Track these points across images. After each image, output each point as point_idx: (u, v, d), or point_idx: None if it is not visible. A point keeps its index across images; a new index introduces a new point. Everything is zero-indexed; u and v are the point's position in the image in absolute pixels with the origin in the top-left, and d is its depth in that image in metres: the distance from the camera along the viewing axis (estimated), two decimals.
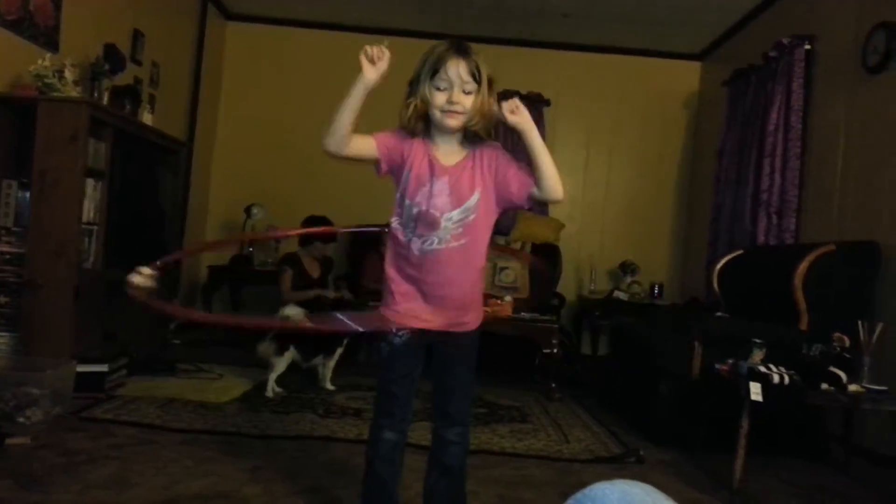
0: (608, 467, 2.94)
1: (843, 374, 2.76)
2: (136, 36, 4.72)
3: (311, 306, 4.18)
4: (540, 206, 5.99)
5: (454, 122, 1.77)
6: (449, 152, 1.83)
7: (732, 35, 5.58)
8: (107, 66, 3.97)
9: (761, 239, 4.43)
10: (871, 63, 3.69)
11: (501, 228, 5.77)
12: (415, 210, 1.80)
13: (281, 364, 3.84)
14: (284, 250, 5.82)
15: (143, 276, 1.90)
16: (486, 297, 4.68)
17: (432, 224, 1.79)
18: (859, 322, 2.90)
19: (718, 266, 4.28)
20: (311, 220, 4.72)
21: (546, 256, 5.56)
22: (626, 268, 5.89)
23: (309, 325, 3.95)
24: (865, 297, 3.44)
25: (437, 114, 1.76)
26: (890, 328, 3.02)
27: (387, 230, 1.88)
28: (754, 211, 4.57)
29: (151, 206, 4.20)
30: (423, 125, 1.80)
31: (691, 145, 6.29)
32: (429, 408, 2.06)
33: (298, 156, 6.02)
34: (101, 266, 3.59)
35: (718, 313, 4.05)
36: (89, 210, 3.49)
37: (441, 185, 1.79)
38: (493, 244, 1.93)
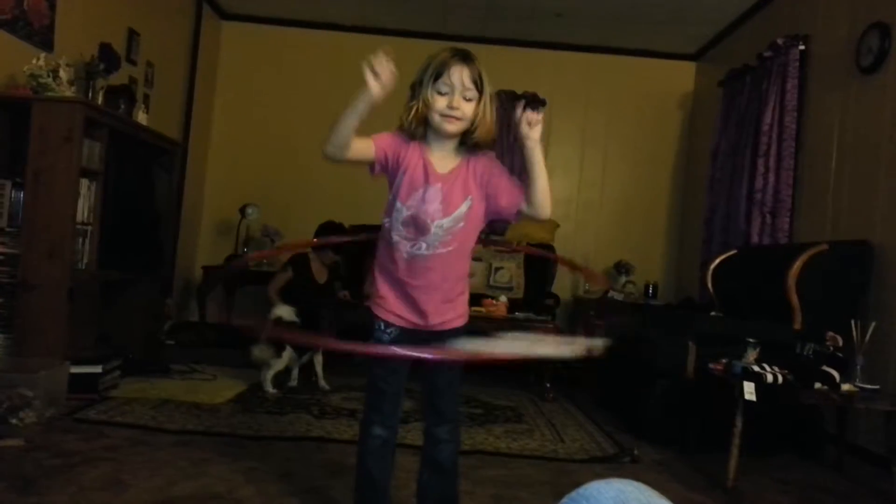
0: (603, 467, 2.94)
1: (836, 374, 2.77)
2: (131, 35, 4.71)
3: (302, 306, 4.17)
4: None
5: (452, 127, 1.78)
6: (443, 158, 1.83)
7: (727, 35, 5.59)
8: (101, 66, 3.96)
9: (755, 239, 4.45)
10: (865, 63, 3.71)
11: (497, 228, 5.78)
12: (406, 214, 1.81)
13: (280, 364, 3.90)
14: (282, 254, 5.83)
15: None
16: (481, 298, 4.72)
17: (422, 229, 1.80)
18: (852, 321, 2.92)
19: (712, 266, 4.29)
20: (326, 228, 4.67)
21: (540, 256, 5.55)
22: (621, 268, 5.90)
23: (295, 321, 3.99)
24: (858, 296, 3.46)
25: (436, 118, 1.77)
26: (883, 327, 3.04)
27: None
28: (748, 211, 4.58)
29: (146, 207, 4.19)
30: (422, 129, 1.81)
31: (686, 145, 6.30)
32: (422, 407, 2.06)
33: (293, 156, 6.03)
34: (95, 267, 3.58)
35: (712, 313, 4.06)
36: (83, 210, 3.48)
37: (434, 192, 1.80)
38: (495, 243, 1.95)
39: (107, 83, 4.03)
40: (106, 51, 4.18)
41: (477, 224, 1.87)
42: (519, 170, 1.89)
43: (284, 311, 3.94)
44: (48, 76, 3.35)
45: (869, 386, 2.81)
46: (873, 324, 2.91)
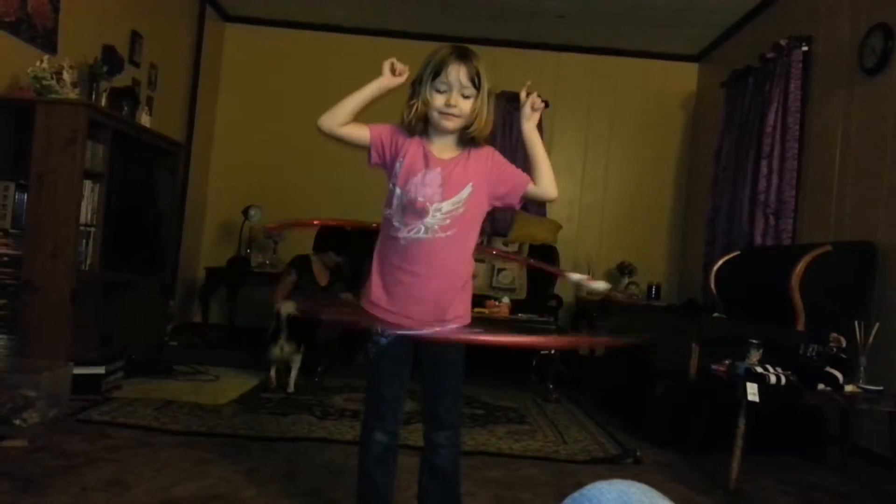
0: (605, 468, 2.94)
1: (839, 375, 2.77)
2: (135, 38, 4.73)
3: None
4: (538, 205, 6.01)
5: (450, 124, 1.81)
6: (444, 149, 1.86)
7: (730, 36, 5.59)
8: (105, 68, 3.97)
9: (758, 240, 4.44)
10: (869, 64, 3.70)
11: (499, 229, 5.79)
12: (404, 198, 1.82)
13: (299, 361, 4.03)
14: (283, 253, 5.84)
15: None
16: (484, 299, 4.73)
17: (420, 212, 1.81)
18: (856, 322, 2.92)
19: (715, 267, 4.28)
20: (326, 232, 4.67)
21: (543, 257, 5.56)
22: (624, 269, 5.90)
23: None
24: (862, 297, 3.45)
25: (435, 115, 1.81)
26: (886, 328, 3.03)
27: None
28: (751, 212, 4.58)
29: (149, 208, 4.20)
30: (422, 125, 1.85)
31: (689, 146, 6.29)
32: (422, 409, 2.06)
33: (296, 158, 6.04)
34: (99, 268, 3.58)
35: (715, 314, 4.06)
36: (87, 212, 3.49)
37: (433, 176, 1.81)
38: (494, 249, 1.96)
39: (110, 85, 4.04)
40: (109, 53, 4.19)
41: (479, 212, 1.87)
42: (521, 167, 1.91)
43: (289, 307, 3.98)
44: (52, 78, 3.36)
45: (872, 387, 2.81)
46: (877, 325, 2.90)
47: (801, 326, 3.37)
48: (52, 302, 3.26)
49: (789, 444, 3.36)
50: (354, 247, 4.68)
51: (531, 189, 1.86)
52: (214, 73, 6.16)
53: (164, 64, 5.16)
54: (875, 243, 3.49)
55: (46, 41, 3.68)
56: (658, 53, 6.21)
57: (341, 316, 3.59)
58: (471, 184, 1.83)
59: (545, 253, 5.67)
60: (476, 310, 3.90)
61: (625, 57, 6.24)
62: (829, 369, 2.78)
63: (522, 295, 5.50)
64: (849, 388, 2.78)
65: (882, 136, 3.58)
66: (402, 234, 1.82)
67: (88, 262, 3.54)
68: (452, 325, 1.89)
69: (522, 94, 1.84)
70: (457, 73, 1.77)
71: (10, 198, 3.26)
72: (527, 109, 1.85)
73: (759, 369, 2.77)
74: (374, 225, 2.02)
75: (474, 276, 1.99)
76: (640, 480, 0.85)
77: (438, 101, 1.79)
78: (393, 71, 1.82)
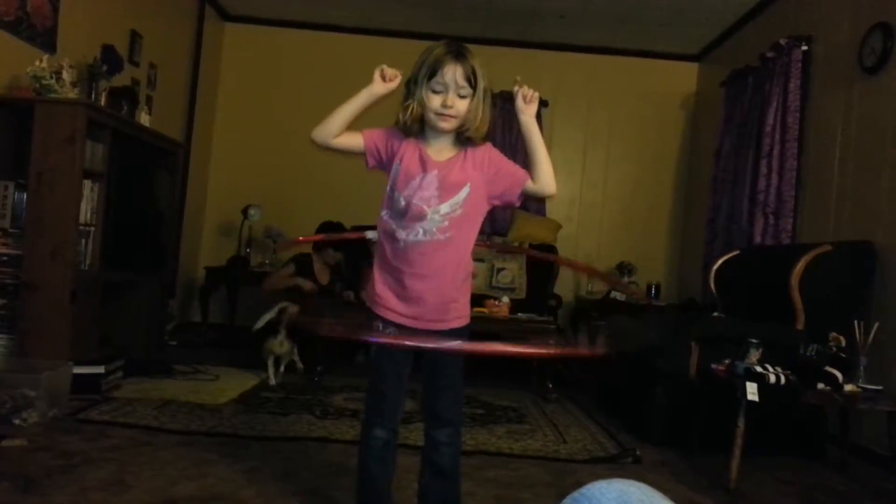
0: (605, 467, 2.94)
1: (839, 374, 2.77)
2: (134, 37, 4.72)
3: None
4: (537, 202, 6.01)
5: (447, 124, 1.80)
6: (440, 150, 1.86)
7: (730, 36, 5.59)
8: (104, 68, 3.97)
9: (758, 239, 4.44)
10: (868, 64, 3.70)
11: (499, 229, 5.78)
12: (403, 202, 1.82)
13: (288, 357, 4.28)
14: (282, 253, 5.84)
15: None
16: (483, 298, 4.72)
17: (418, 216, 1.80)
18: (855, 322, 2.92)
19: (715, 266, 4.28)
20: (326, 227, 4.72)
21: (542, 259, 5.56)
22: (624, 268, 5.90)
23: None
24: (861, 297, 3.45)
25: (431, 116, 1.80)
26: (886, 328, 3.03)
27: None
28: (751, 211, 4.58)
29: (149, 208, 4.20)
30: (418, 126, 1.83)
31: (688, 146, 6.29)
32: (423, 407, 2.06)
33: (296, 157, 6.03)
34: (98, 268, 3.58)
35: (715, 313, 4.06)
36: (86, 211, 3.49)
37: (430, 179, 1.81)
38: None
39: (109, 85, 4.04)
40: (109, 52, 4.19)
41: (477, 212, 1.87)
42: (522, 166, 1.90)
43: (294, 308, 4.11)
44: (51, 78, 3.36)
45: (872, 386, 2.81)
46: (876, 324, 2.90)
47: (800, 326, 3.37)
48: (51, 301, 3.26)
49: (789, 443, 3.36)
50: (351, 244, 4.71)
51: (530, 185, 1.85)
52: (214, 73, 6.16)
53: (163, 63, 5.16)
54: (875, 243, 3.49)
55: (46, 41, 3.68)
56: (658, 53, 6.21)
57: (342, 330, 3.63)
58: (468, 184, 1.82)
59: (544, 252, 5.66)
60: (476, 309, 3.92)
61: (624, 56, 6.24)
62: (828, 369, 2.78)
63: (522, 294, 5.50)
64: (848, 387, 2.78)
65: (882, 136, 3.58)
66: (401, 236, 1.82)
67: (88, 261, 3.54)
68: (454, 325, 1.89)
69: (515, 88, 1.84)
70: (453, 73, 1.75)
71: (9, 197, 3.26)
72: (518, 102, 1.83)
73: (759, 369, 2.77)
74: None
75: (474, 276, 1.99)
76: (639, 480, 0.86)
77: (435, 101, 1.77)
78: (383, 77, 1.82)
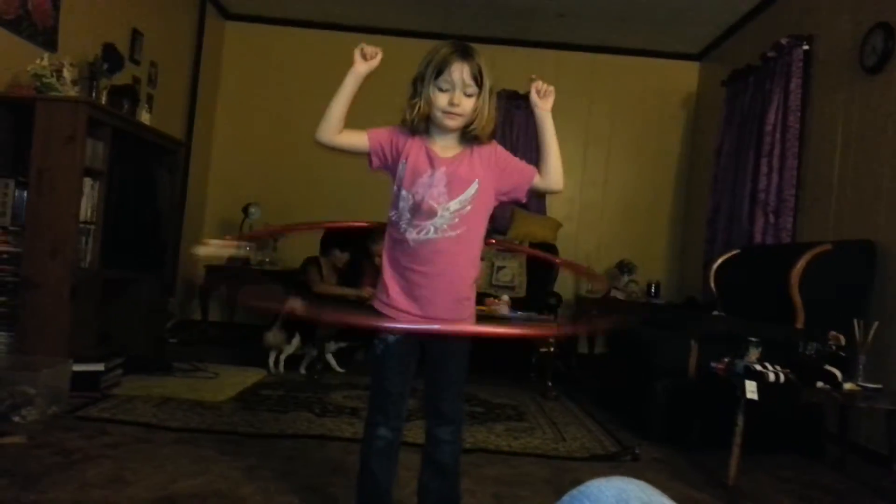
0: (604, 465, 2.94)
1: (838, 373, 2.77)
2: (135, 35, 4.73)
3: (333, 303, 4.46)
4: (538, 202, 6.01)
5: (453, 122, 1.80)
6: (446, 147, 1.86)
7: (731, 35, 5.59)
8: (105, 66, 3.97)
9: (758, 238, 4.44)
10: (869, 63, 3.70)
11: (499, 227, 5.78)
12: (411, 200, 1.81)
13: (289, 349, 4.43)
14: (283, 252, 5.85)
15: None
16: (483, 297, 4.73)
17: (428, 213, 1.80)
18: (855, 321, 2.91)
19: (715, 265, 4.28)
20: (330, 235, 4.80)
21: (543, 259, 5.56)
22: (624, 267, 5.90)
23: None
24: (861, 295, 3.45)
25: (437, 114, 1.80)
26: (885, 327, 3.03)
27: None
28: (751, 210, 4.57)
29: (149, 206, 4.20)
30: (424, 124, 1.84)
31: (689, 145, 6.29)
32: (424, 405, 2.06)
33: (296, 156, 6.04)
34: (98, 265, 3.59)
35: (715, 312, 4.06)
36: (87, 209, 3.49)
37: (439, 176, 1.81)
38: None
39: (110, 83, 4.04)
40: (109, 51, 4.19)
41: (486, 208, 1.87)
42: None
43: (297, 303, 4.13)
44: (52, 76, 3.37)
45: (871, 385, 2.81)
46: (876, 323, 2.90)
47: (800, 324, 3.37)
48: (51, 299, 3.26)
49: (788, 441, 3.36)
50: (355, 243, 4.76)
51: (538, 181, 1.86)
52: (215, 71, 6.16)
53: (164, 62, 5.16)
54: (875, 242, 3.49)
55: (47, 39, 3.68)
56: (659, 52, 6.21)
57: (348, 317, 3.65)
58: (477, 181, 1.82)
59: (545, 251, 5.66)
60: (476, 307, 3.92)
61: (625, 55, 6.24)
62: (828, 367, 2.78)
63: (522, 293, 5.50)
64: (848, 386, 2.78)
65: (882, 135, 3.58)
66: (411, 235, 1.82)
67: (88, 259, 3.54)
68: (466, 323, 1.90)
69: (532, 83, 1.86)
70: (460, 72, 1.76)
71: (9, 195, 3.27)
72: (533, 96, 1.85)
73: (759, 367, 2.77)
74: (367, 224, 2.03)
75: (477, 279, 1.99)
76: (638, 478, 0.86)
77: (441, 100, 1.78)
78: (364, 56, 1.82)
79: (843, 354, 2.84)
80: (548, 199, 6.12)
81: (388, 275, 1.88)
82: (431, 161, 1.82)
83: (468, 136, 1.83)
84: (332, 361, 4.59)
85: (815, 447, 3.36)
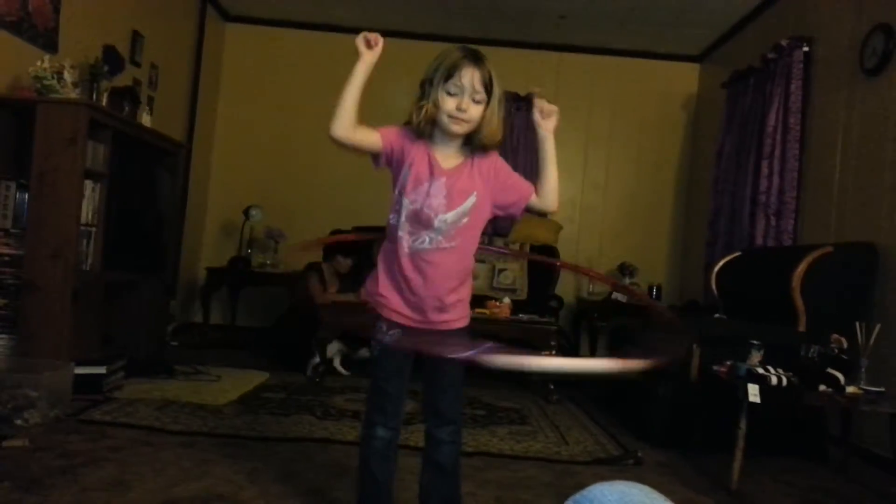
0: (606, 469, 2.94)
1: (840, 376, 2.77)
2: (136, 37, 4.73)
3: None
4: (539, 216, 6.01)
5: (459, 128, 1.79)
6: (448, 156, 1.85)
7: (731, 37, 5.59)
8: (106, 68, 3.97)
9: (759, 240, 4.44)
10: (870, 65, 3.70)
11: (500, 230, 5.78)
12: (410, 208, 1.81)
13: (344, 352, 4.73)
14: (283, 254, 5.84)
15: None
16: (484, 299, 4.72)
17: (425, 223, 1.81)
18: (857, 323, 2.91)
19: (716, 268, 4.28)
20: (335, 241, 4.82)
21: (542, 263, 5.56)
22: (625, 269, 5.90)
23: None
24: (863, 298, 3.45)
25: (444, 118, 1.79)
26: (887, 330, 3.03)
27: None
28: (752, 212, 4.57)
29: (150, 208, 4.20)
30: (430, 128, 1.82)
31: (690, 147, 6.29)
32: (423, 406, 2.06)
33: (297, 158, 6.05)
34: (100, 268, 3.59)
35: (716, 315, 4.05)
36: (88, 212, 3.49)
37: (438, 186, 1.81)
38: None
39: (111, 85, 4.04)
40: (110, 53, 4.20)
41: (481, 222, 1.87)
42: (523, 169, 1.91)
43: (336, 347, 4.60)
44: (52, 78, 3.36)
45: (873, 388, 2.81)
46: (878, 326, 2.90)
47: (802, 327, 3.37)
48: (53, 302, 3.26)
49: (790, 445, 3.35)
50: (358, 251, 4.77)
51: (533, 202, 1.87)
52: (215, 73, 6.16)
53: (164, 64, 5.16)
54: (876, 244, 3.48)
55: (47, 41, 3.68)
56: (659, 54, 6.21)
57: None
58: (475, 193, 1.82)
59: (545, 254, 5.67)
60: (477, 310, 3.92)
61: (626, 57, 6.24)
62: (830, 370, 2.78)
63: (523, 295, 5.49)
64: (850, 389, 2.77)
65: (883, 137, 3.58)
66: (407, 242, 1.82)
67: (89, 261, 3.54)
68: (457, 325, 1.90)
69: (534, 99, 1.84)
70: (471, 78, 1.75)
71: (10, 197, 3.26)
72: (536, 116, 1.84)
73: (761, 370, 2.77)
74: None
75: (475, 277, 1.99)
76: (641, 481, 0.86)
77: (449, 104, 1.76)
78: (368, 44, 1.77)
79: (845, 357, 2.83)
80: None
81: (383, 274, 1.90)
82: (432, 170, 1.81)
83: (473, 144, 1.83)
84: (339, 366, 4.65)
85: (817, 451, 3.36)
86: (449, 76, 1.76)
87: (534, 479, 2.73)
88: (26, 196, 3.29)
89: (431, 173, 1.81)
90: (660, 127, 6.30)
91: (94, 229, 3.55)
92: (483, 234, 1.95)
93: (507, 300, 4.71)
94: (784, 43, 4.42)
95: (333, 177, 5.69)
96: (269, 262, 5.78)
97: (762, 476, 2.99)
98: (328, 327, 4.38)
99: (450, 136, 1.82)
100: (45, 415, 2.88)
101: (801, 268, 3.44)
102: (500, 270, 5.61)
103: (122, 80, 4.35)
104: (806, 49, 4.31)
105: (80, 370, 3.25)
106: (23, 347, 3.22)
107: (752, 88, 4.86)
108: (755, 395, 2.67)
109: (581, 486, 0.84)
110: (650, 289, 5.82)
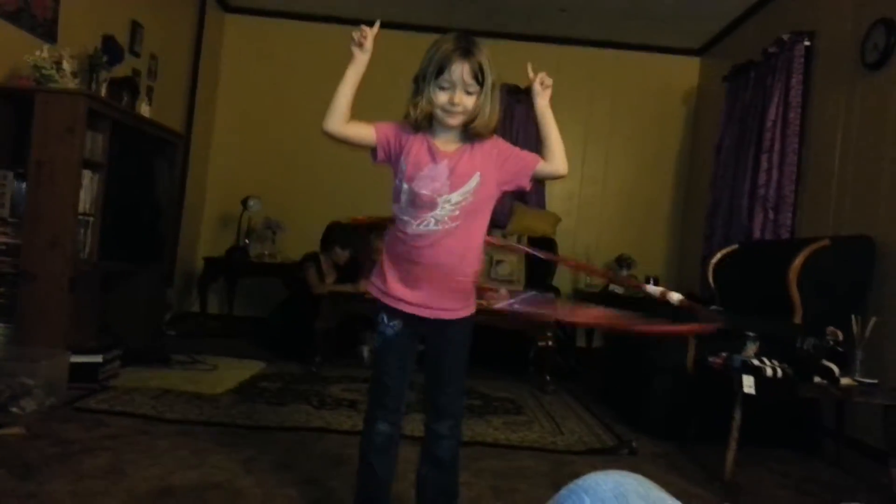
0: (601, 459, 2.95)
1: (835, 368, 2.78)
2: (135, 27, 4.72)
3: None
4: (537, 194, 6.01)
5: (454, 121, 1.80)
6: (447, 142, 1.86)
7: (732, 31, 5.57)
8: (105, 58, 3.96)
9: (757, 234, 4.44)
10: (871, 59, 3.69)
11: (498, 222, 5.78)
12: (412, 193, 1.82)
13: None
14: (281, 244, 5.85)
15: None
16: (482, 290, 4.71)
17: (429, 205, 1.80)
18: (853, 316, 2.92)
19: (714, 260, 4.28)
20: (332, 230, 4.81)
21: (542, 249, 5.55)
22: (623, 261, 5.90)
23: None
24: (859, 291, 3.45)
25: (438, 112, 1.80)
26: (883, 322, 3.04)
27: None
28: (751, 206, 4.57)
29: (148, 198, 4.20)
30: (427, 122, 1.83)
31: (689, 140, 6.29)
32: (423, 399, 2.07)
33: (296, 148, 6.04)
34: (97, 257, 3.59)
35: (713, 307, 4.05)
36: (86, 201, 3.49)
37: (440, 169, 1.81)
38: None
39: (110, 75, 4.03)
40: (109, 43, 4.18)
41: (488, 200, 1.87)
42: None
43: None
44: (51, 67, 3.36)
45: (868, 380, 2.82)
46: (873, 318, 2.91)
47: (798, 320, 3.38)
48: (50, 291, 3.26)
49: (785, 436, 3.37)
50: (356, 243, 4.77)
51: (541, 167, 1.86)
52: (214, 64, 6.15)
53: (164, 54, 5.15)
54: (873, 238, 3.49)
55: (46, 30, 3.67)
56: (659, 47, 6.19)
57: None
58: (478, 173, 1.82)
59: (544, 246, 5.66)
60: (477, 301, 3.91)
61: (626, 50, 6.22)
62: (825, 362, 2.79)
63: (521, 287, 5.49)
64: (845, 381, 2.79)
65: (883, 132, 3.58)
66: (412, 227, 1.82)
67: (87, 251, 3.54)
68: (461, 314, 1.91)
69: (531, 73, 1.89)
70: (460, 72, 1.75)
71: (8, 186, 3.26)
72: (536, 86, 1.87)
73: (756, 362, 2.78)
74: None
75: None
76: (636, 472, 0.86)
77: (442, 98, 1.77)
78: (359, 45, 1.80)
79: (840, 350, 2.84)
80: (547, 193, 6.12)
81: (388, 265, 1.90)
82: (433, 154, 1.82)
83: (470, 132, 1.83)
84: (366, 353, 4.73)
85: (811, 442, 3.37)
86: (440, 71, 1.76)
87: (529, 468, 2.74)
88: (24, 185, 3.29)
89: (433, 158, 1.82)
90: (659, 120, 6.30)
91: (91, 219, 3.55)
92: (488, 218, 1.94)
93: (503, 291, 4.70)
94: (785, 37, 4.41)
95: (332, 167, 5.68)
96: (266, 252, 5.79)
97: (756, 467, 3.00)
98: (326, 317, 4.37)
99: (447, 127, 1.83)
100: (41, 403, 2.89)
101: (798, 261, 3.44)
102: (498, 261, 5.61)
103: (121, 70, 4.34)
104: (807, 43, 4.30)
105: (76, 359, 3.26)
106: (20, 336, 3.23)
107: (753, 82, 4.85)
108: (750, 386, 2.68)
109: (576, 475, 0.84)
110: (647, 281, 5.81)
